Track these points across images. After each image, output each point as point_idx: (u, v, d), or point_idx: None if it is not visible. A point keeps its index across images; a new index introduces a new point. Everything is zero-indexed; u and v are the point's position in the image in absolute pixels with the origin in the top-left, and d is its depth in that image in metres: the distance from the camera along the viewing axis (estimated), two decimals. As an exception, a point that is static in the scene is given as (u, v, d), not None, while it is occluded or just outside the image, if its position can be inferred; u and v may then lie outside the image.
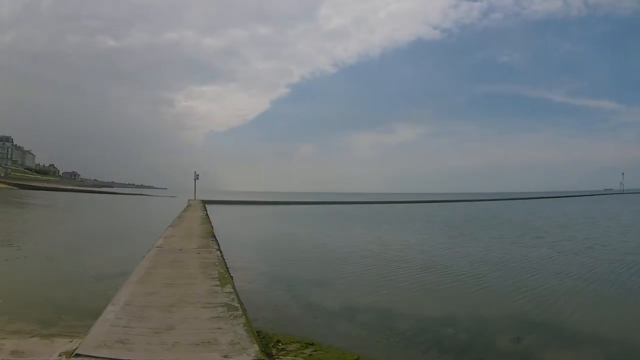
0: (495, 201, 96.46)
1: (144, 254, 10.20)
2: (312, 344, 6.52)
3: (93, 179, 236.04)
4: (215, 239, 13.39)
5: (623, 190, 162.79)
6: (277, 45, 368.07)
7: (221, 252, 10.84)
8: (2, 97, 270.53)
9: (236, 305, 6.19)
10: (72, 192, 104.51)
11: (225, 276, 8.03)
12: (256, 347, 4.49)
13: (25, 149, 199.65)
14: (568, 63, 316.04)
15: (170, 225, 17.23)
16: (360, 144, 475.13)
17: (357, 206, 70.85)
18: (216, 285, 7.24)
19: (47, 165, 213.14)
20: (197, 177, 57.19)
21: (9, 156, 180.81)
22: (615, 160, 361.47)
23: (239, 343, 4.61)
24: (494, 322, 9.59)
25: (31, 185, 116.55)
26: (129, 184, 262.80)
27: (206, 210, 31.10)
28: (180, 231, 15.20)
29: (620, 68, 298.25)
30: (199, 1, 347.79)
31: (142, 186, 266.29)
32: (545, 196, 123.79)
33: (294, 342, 6.50)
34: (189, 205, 39.13)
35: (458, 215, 50.58)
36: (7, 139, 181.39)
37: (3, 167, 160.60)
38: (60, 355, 4.46)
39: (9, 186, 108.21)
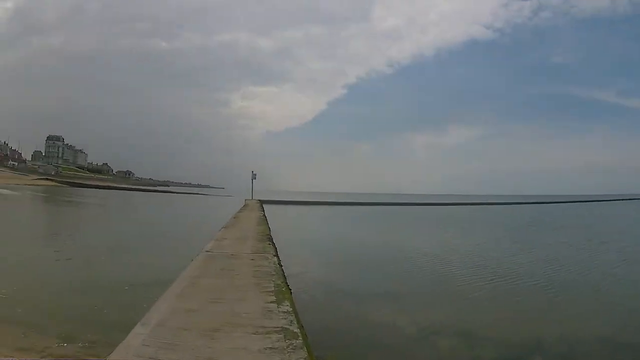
0: (552, 204, 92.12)
1: (191, 258, 9.12)
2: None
3: (148, 177, 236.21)
4: (272, 242, 12.15)
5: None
6: (331, 45, 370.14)
7: (278, 258, 9.55)
8: (55, 98, 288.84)
9: (295, 330, 4.80)
10: (124, 191, 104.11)
11: (283, 289, 6.69)
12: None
13: (78, 148, 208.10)
14: (618, 62, 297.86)
15: (223, 227, 16.20)
16: (416, 144, 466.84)
17: (416, 207, 68.35)
18: (272, 302, 5.90)
19: (100, 164, 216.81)
20: (254, 176, 56.83)
21: (60, 155, 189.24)
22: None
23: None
24: (592, 348, 7.80)
25: (82, 184, 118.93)
26: (185, 183, 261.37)
27: (263, 211, 30.27)
28: (235, 233, 14.12)
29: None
30: (251, 2, 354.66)
31: (198, 185, 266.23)
32: (601, 199, 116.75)
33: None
34: (245, 205, 38.63)
35: (519, 217, 48.20)
36: (58, 138, 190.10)
37: (54, 166, 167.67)
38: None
39: (58, 184, 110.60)
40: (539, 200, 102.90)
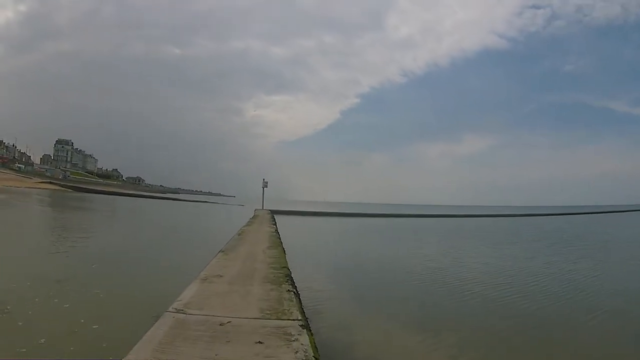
0: (580, 215, 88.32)
1: (147, 325, 4.67)
2: None
3: (159, 185, 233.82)
4: (293, 284, 7.56)
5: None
6: (345, 54, 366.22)
7: (311, 333, 4.99)
8: (67, 102, 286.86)
9: None
10: (130, 197, 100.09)
11: None
12: None
13: (88, 153, 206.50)
14: (630, 70, 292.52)
15: (221, 251, 11.55)
16: (431, 154, 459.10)
17: (443, 220, 63.50)
18: None
19: (110, 169, 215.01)
20: (265, 184, 52.52)
21: (69, 159, 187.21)
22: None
23: None
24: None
25: (87, 188, 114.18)
26: (196, 191, 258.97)
27: (275, 225, 25.70)
28: (235, 264, 9.49)
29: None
30: (264, 10, 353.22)
31: (209, 193, 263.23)
32: (624, 210, 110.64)
33: None
34: (255, 217, 34.13)
35: (559, 230, 43.30)
36: (67, 142, 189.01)
37: (62, 170, 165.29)
38: None
39: (62, 188, 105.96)
40: (562, 212, 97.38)
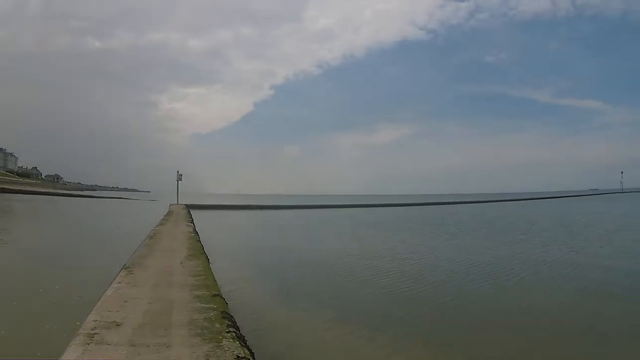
0: (503, 202, 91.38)
1: None
2: None
3: (77, 182, 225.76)
4: (239, 334, 4.78)
5: (622, 189, 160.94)
6: (261, 46, 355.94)
7: None
8: None
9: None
10: (47, 196, 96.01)
11: None
12: None
13: (8, 151, 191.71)
14: (554, 63, 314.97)
15: (125, 267, 8.29)
16: (344, 145, 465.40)
17: (361, 210, 62.74)
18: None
19: (29, 168, 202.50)
20: (179, 177, 48.26)
21: None
22: (601, 160, 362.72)
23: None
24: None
25: (5, 188, 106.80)
26: (113, 187, 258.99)
27: (193, 222, 22.30)
28: (143, 293, 6.34)
29: (607, 68, 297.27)
30: (183, 2, 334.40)
31: (125, 189, 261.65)
32: (538, 197, 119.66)
33: None
34: (169, 213, 30.23)
35: (488, 217, 43.26)
36: None
37: None
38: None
39: None
40: (487, 199, 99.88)
